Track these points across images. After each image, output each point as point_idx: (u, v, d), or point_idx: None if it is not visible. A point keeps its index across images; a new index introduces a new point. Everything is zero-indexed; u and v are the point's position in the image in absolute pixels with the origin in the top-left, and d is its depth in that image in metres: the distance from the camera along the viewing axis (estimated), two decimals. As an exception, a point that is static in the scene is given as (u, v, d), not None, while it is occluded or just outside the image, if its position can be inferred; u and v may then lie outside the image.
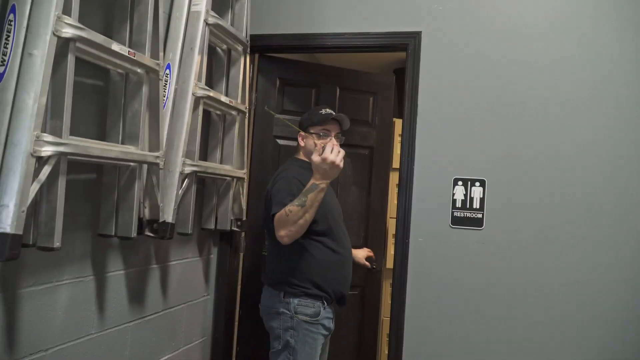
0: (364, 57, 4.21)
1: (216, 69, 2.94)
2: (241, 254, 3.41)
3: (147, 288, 2.54)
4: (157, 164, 2.20)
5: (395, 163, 3.94)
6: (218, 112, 2.93)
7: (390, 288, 3.65)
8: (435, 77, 2.93)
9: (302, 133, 2.79)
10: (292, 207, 2.47)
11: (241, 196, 3.05)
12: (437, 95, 2.92)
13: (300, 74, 3.58)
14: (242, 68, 3.00)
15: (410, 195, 2.91)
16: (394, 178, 3.92)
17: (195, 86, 2.48)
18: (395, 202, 3.73)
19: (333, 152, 2.42)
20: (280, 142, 3.55)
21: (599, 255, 2.69)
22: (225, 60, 2.95)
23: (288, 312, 2.61)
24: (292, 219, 2.45)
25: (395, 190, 3.87)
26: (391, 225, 3.84)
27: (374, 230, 3.74)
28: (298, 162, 2.81)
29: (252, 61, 3.32)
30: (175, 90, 2.44)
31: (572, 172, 2.73)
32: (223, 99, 2.75)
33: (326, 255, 2.65)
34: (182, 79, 2.47)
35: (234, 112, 2.92)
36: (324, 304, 2.64)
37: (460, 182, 2.79)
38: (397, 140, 3.96)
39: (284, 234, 2.48)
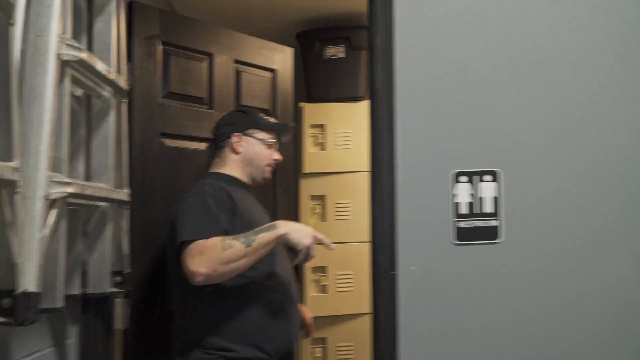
0: (248, 13, 3.41)
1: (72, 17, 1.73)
2: (120, 331, 2.24)
3: None
4: (13, 182, 1.23)
5: (311, 166, 3.53)
6: (77, 93, 1.77)
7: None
8: (419, 28, 1.90)
9: (241, 135, 2.23)
10: (233, 242, 1.88)
11: (123, 234, 1.97)
12: (422, 55, 1.91)
13: (189, 36, 2.63)
14: (116, 18, 1.93)
15: (392, 206, 1.86)
16: (307, 186, 3.50)
17: (60, 42, 1.44)
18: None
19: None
20: (170, 142, 2.51)
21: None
22: (83, 4, 1.83)
23: None
24: (226, 256, 1.84)
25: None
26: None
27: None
28: (221, 176, 2.18)
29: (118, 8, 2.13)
30: (23, 51, 1.37)
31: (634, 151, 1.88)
32: (100, 66, 1.74)
33: (263, 308, 2.06)
34: (36, 28, 1.39)
35: (106, 93, 1.87)
36: None
37: (464, 178, 1.96)
38: (309, 132, 3.52)
39: (204, 271, 1.84)
